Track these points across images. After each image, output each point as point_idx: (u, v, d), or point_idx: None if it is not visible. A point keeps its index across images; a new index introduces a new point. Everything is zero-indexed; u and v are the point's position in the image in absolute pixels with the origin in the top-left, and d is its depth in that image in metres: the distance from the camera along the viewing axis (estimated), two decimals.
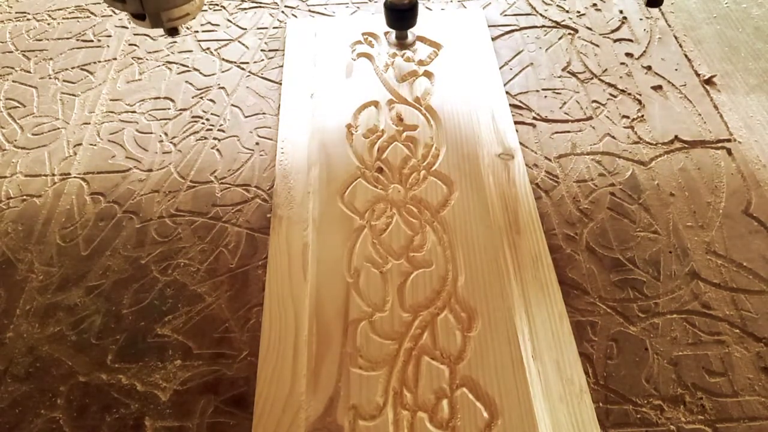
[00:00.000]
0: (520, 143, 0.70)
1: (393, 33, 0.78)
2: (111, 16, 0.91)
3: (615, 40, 0.83)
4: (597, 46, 0.83)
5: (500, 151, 0.68)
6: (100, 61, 0.84)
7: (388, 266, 0.59)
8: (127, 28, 0.88)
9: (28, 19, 0.91)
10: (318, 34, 0.84)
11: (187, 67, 0.82)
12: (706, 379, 0.52)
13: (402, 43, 0.78)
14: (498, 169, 0.66)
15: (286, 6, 0.91)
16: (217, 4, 0.92)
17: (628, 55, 0.81)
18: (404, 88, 0.75)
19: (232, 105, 0.77)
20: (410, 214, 0.63)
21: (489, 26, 0.85)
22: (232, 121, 0.75)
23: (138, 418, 0.51)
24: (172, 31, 0.55)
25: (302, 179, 0.66)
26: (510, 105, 0.74)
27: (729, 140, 0.70)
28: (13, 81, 0.81)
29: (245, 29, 0.87)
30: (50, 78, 0.82)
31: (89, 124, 0.75)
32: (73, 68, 0.83)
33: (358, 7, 0.90)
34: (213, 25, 0.88)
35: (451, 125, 0.71)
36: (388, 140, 0.70)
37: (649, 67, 0.79)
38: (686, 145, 0.70)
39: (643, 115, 0.73)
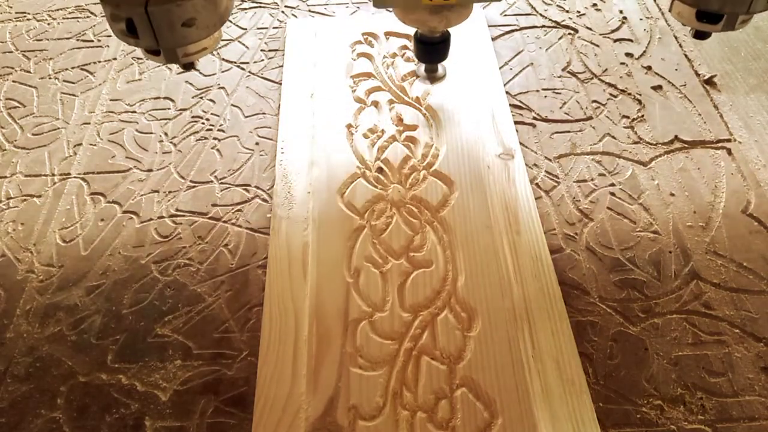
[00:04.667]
0: (520, 143, 0.70)
1: (422, 66, 0.69)
2: None
3: (615, 40, 0.83)
4: (597, 46, 0.83)
5: (500, 151, 0.68)
6: (100, 61, 0.84)
7: (388, 266, 0.59)
8: None
9: (28, 19, 0.91)
10: (318, 34, 0.84)
11: None
12: (707, 379, 0.52)
13: (432, 76, 0.69)
14: (498, 169, 0.66)
15: (286, 6, 0.91)
16: None
17: (628, 55, 0.81)
18: (404, 88, 0.75)
19: (232, 105, 0.77)
20: (410, 214, 0.63)
21: (489, 26, 0.85)
22: (232, 121, 0.75)
23: (138, 418, 0.51)
24: (188, 66, 0.51)
25: (302, 179, 0.66)
26: (510, 105, 0.74)
27: (729, 140, 0.70)
28: (13, 81, 0.82)
29: (245, 29, 0.87)
30: (50, 78, 0.82)
31: (89, 124, 0.75)
32: (73, 68, 0.83)
33: (358, 7, 0.90)
34: None
35: (451, 125, 0.71)
36: (388, 140, 0.70)
37: (649, 67, 0.79)
38: (686, 145, 0.70)
39: (643, 115, 0.73)
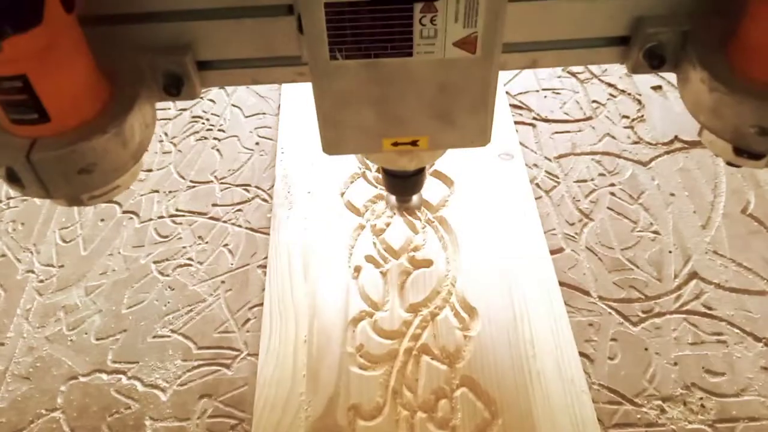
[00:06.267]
0: (520, 143, 0.70)
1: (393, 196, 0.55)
2: None
3: None
4: None
5: (500, 151, 0.68)
6: None
7: (388, 265, 0.59)
8: None
9: None
10: None
11: None
12: (707, 379, 0.52)
13: (405, 207, 0.56)
14: (498, 169, 0.66)
15: None
16: None
17: None
18: None
19: (233, 105, 0.77)
20: (410, 214, 0.62)
21: None
22: (232, 121, 0.75)
23: (138, 417, 0.51)
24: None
25: (302, 179, 0.66)
26: (510, 105, 0.74)
27: None
28: None
29: None
30: None
31: None
32: None
33: None
34: None
35: None
36: None
37: None
38: (686, 145, 0.70)
39: (643, 115, 0.73)
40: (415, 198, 0.54)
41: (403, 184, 0.50)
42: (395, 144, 0.38)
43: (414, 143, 0.38)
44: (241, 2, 0.36)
